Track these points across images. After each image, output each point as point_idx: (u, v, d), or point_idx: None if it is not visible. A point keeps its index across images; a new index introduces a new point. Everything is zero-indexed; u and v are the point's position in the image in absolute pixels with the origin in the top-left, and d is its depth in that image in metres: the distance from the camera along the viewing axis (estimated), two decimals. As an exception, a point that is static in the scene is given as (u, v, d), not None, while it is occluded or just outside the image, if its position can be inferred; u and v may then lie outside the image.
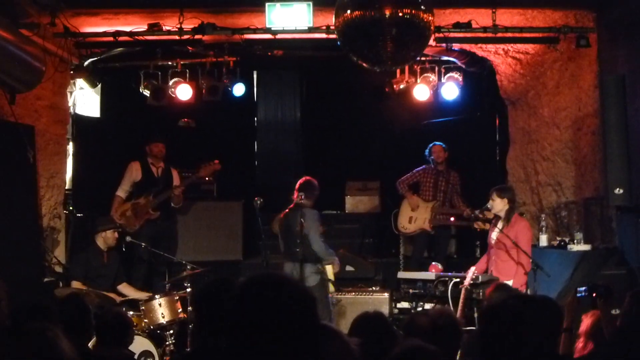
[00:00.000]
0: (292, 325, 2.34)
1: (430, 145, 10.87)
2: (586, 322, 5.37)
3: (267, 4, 8.44)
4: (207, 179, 10.89)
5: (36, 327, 3.73)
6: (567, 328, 5.02)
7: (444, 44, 9.28)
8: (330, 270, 8.52)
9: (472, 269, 7.81)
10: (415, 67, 10.80)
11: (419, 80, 10.83)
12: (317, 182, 8.60)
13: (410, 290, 8.48)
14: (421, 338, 3.91)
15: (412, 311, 8.21)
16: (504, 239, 7.86)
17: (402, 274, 9.00)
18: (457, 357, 4.42)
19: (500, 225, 8.07)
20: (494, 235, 8.13)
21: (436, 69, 10.87)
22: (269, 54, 10.43)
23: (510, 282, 7.73)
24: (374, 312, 4.49)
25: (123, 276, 9.19)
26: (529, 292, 7.64)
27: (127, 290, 8.96)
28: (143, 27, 9.09)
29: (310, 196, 8.50)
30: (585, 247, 8.78)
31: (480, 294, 7.63)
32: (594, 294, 5.31)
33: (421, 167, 10.93)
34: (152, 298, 8.35)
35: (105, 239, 8.98)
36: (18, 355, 3.56)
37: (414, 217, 10.79)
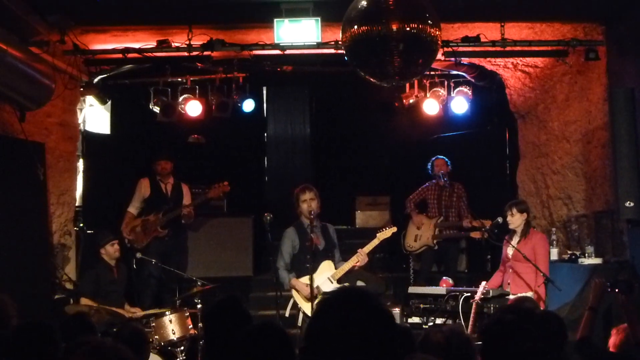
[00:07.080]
0: (374, 340, 2.35)
1: (433, 159, 10.86)
2: (615, 337, 5.34)
3: (275, 20, 8.44)
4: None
5: (91, 342, 3.72)
6: (591, 307, 4.98)
7: (452, 58, 9.27)
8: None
9: (483, 283, 7.76)
10: (425, 81, 10.83)
11: (428, 95, 10.86)
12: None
13: (421, 305, 8.44)
14: (435, 354, 3.89)
15: (424, 326, 8.17)
16: (521, 252, 7.82)
17: (412, 289, 8.94)
18: None
19: (516, 239, 8.05)
20: (509, 249, 8.10)
21: (445, 83, 10.91)
22: (278, 69, 10.46)
23: (530, 294, 7.71)
24: None
25: None
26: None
27: None
28: (152, 44, 9.10)
29: None
30: (597, 261, 8.72)
31: (491, 308, 7.61)
32: (616, 290, 5.26)
33: (426, 184, 10.91)
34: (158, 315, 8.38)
35: (108, 253, 8.99)
36: None
37: (419, 235, 10.77)
